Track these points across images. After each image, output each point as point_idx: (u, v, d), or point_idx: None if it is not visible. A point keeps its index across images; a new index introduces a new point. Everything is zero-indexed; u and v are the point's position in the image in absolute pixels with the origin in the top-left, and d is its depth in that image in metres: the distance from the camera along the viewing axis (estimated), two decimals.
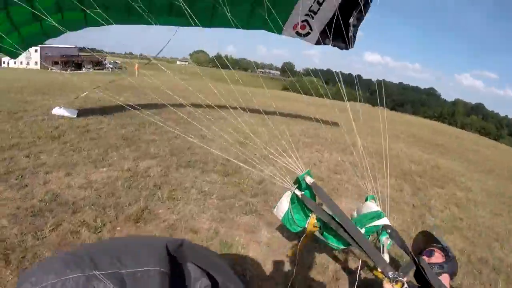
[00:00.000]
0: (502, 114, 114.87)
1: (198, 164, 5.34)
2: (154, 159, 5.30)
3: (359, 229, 2.32)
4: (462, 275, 3.75)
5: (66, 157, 4.93)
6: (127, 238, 2.27)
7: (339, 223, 2.29)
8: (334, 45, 6.53)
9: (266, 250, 3.44)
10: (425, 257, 2.16)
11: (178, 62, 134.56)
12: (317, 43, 6.80)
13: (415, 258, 2.07)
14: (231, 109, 4.31)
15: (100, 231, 3.20)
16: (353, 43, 6.17)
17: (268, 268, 3.20)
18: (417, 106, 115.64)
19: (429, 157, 11.64)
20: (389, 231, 2.32)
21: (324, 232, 2.56)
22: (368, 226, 2.40)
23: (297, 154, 2.86)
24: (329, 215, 2.37)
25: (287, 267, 3.25)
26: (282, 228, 3.83)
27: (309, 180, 2.58)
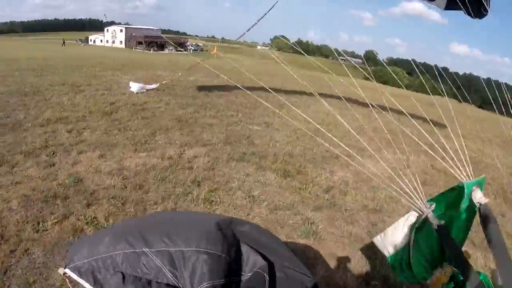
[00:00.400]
0: None
1: (254, 158, 4.39)
2: (204, 147, 4.50)
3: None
4: None
5: (108, 136, 4.41)
6: (177, 214, 2.19)
7: None
8: (465, 12, 5.15)
9: None
10: None
11: (258, 47, 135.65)
12: (447, 7, 5.45)
13: None
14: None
15: None
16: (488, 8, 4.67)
17: None
18: (508, 105, 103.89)
19: None
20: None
21: None
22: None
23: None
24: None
25: None
26: (358, 265, 2.78)
27: (479, 197, 1.36)
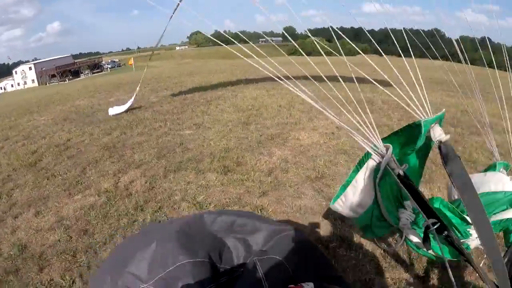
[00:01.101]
0: (508, 45, 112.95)
1: (191, 164, 4.37)
2: (138, 168, 4.41)
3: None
4: None
5: (38, 189, 4.15)
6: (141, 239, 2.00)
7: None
8: None
9: None
10: None
11: (177, 48, 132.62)
12: None
13: None
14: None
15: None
16: None
17: None
18: (424, 48, 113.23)
19: (455, 100, 10.17)
20: None
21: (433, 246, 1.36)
22: (496, 218, 1.39)
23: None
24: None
25: None
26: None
27: (439, 134, 1.27)
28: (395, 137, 1.33)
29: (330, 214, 3.10)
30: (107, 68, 62.76)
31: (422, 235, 1.32)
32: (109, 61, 73.65)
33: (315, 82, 1.63)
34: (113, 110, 7.85)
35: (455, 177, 1.21)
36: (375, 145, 1.28)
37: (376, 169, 1.32)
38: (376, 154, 1.29)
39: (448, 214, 1.31)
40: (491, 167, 1.62)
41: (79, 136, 6.12)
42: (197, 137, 5.54)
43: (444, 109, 1.37)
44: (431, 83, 13.97)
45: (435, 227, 1.16)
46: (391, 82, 1.44)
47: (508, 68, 2.08)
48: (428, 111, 1.28)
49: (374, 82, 1.53)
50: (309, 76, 1.67)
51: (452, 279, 1.10)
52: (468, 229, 1.30)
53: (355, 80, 1.48)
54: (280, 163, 4.38)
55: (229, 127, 6.00)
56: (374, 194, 1.40)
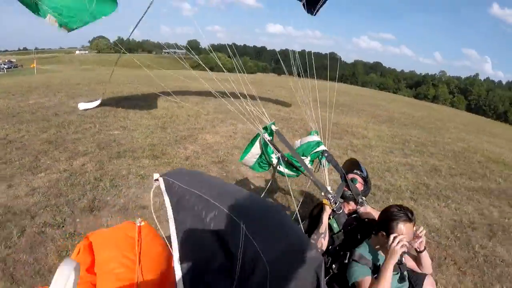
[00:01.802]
0: (398, 69, 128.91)
1: (127, 154, 5.82)
2: (85, 156, 5.64)
3: (306, 157, 3.09)
4: None
5: (0, 171, 5.11)
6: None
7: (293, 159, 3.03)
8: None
9: None
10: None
11: (77, 52, 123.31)
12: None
13: (344, 174, 3.10)
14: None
15: (63, 226, 3.67)
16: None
17: None
18: (321, 70, 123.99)
19: (331, 116, 13.23)
20: (326, 154, 3.12)
21: (284, 167, 3.07)
22: (312, 153, 3.12)
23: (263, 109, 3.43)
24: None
25: None
26: None
27: (274, 127, 3.11)
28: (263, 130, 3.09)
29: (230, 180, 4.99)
30: (3, 69, 56.13)
31: (283, 165, 3.08)
32: (6, 61, 65.98)
33: (218, 96, 3.42)
34: (83, 105, 9.00)
35: (287, 145, 3.10)
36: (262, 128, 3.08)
37: (263, 141, 3.05)
38: (262, 133, 3.05)
39: (288, 156, 3.17)
40: (310, 133, 3.44)
41: (16, 133, 6.75)
42: (125, 136, 6.90)
43: (273, 120, 3.22)
44: (317, 102, 17.10)
45: (285, 159, 3.00)
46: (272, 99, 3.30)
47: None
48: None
49: (257, 99, 3.39)
50: (214, 92, 3.40)
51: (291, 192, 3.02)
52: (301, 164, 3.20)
53: (247, 97, 3.29)
54: (193, 153, 6.15)
55: (150, 130, 7.51)
56: (260, 151, 3.12)
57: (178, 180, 1.76)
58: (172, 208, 1.68)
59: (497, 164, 10.77)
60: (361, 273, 2.43)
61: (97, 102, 9.30)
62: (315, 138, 3.24)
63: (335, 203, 2.79)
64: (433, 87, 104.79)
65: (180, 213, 1.66)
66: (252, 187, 5.15)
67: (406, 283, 2.53)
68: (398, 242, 2.26)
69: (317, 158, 3.17)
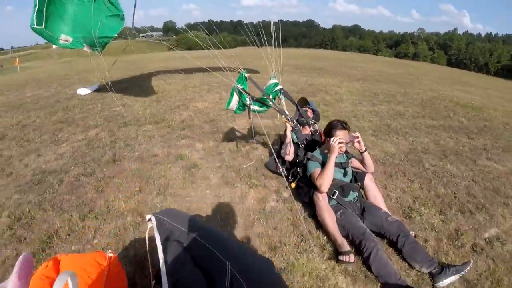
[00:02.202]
0: (377, 31, 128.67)
1: (133, 122, 6.77)
2: (97, 128, 6.57)
3: (270, 96, 4.08)
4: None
5: (25, 147, 5.81)
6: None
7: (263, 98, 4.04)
8: None
9: (205, 153, 5.35)
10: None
11: (54, 46, 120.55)
12: None
13: (298, 106, 4.34)
14: None
15: (94, 174, 4.57)
16: None
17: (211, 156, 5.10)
18: (300, 39, 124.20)
19: (307, 78, 14.35)
20: (283, 91, 4.18)
21: (255, 104, 4.05)
22: (273, 91, 4.15)
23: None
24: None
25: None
26: (212, 141, 5.76)
27: (246, 75, 4.11)
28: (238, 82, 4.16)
29: (221, 135, 6.00)
30: None
31: (254, 104, 4.15)
32: None
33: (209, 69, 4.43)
34: (83, 91, 10.04)
35: (257, 87, 4.23)
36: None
37: (237, 90, 4.10)
38: (236, 85, 4.09)
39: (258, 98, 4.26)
40: (270, 78, 4.45)
41: (26, 119, 7.56)
42: (127, 110, 7.82)
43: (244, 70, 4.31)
44: (294, 68, 18.17)
45: (254, 99, 4.08)
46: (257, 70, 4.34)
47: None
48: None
49: (241, 68, 4.41)
50: (205, 67, 4.42)
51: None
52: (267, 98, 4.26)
53: (226, 69, 4.30)
54: (188, 117, 7.16)
55: (147, 103, 8.47)
56: (238, 98, 4.08)
57: (169, 218, 1.91)
58: (161, 245, 1.79)
59: (464, 108, 11.68)
60: (313, 166, 3.55)
61: (95, 87, 10.19)
62: (273, 81, 4.28)
63: (293, 122, 4.02)
64: (412, 45, 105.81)
65: (168, 249, 1.78)
66: (238, 134, 6.27)
67: (349, 177, 3.65)
68: (335, 141, 3.37)
69: (277, 96, 4.28)
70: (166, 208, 2.14)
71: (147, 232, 1.93)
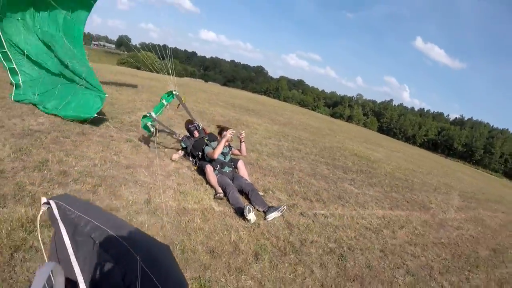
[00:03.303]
0: (320, 89, 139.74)
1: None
2: None
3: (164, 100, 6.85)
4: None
5: (9, 113, 7.77)
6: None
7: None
8: None
9: (145, 141, 7.83)
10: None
11: None
12: None
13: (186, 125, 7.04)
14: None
15: (69, 137, 6.53)
16: None
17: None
18: (247, 82, 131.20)
19: (237, 115, 17.52)
20: (177, 93, 6.96)
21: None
22: (168, 97, 6.83)
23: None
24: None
25: None
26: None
27: (176, 93, 6.72)
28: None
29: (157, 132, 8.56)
30: None
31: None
32: None
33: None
34: None
35: (186, 111, 7.00)
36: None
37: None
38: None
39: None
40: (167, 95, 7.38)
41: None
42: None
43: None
44: (228, 105, 21.44)
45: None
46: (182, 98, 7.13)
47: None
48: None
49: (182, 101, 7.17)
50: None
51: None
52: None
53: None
54: (135, 120, 9.63)
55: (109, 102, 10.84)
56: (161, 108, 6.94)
57: (71, 205, 1.66)
58: (69, 237, 1.59)
59: (358, 157, 15.00)
60: (208, 150, 6.28)
61: None
62: (165, 94, 6.92)
63: (179, 137, 6.99)
64: (349, 108, 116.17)
65: (77, 242, 1.59)
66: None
67: (227, 159, 6.39)
68: (229, 131, 6.13)
69: (173, 97, 6.95)
70: (63, 194, 1.95)
71: (39, 218, 1.82)
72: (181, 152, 7.08)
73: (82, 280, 1.48)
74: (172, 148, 7.81)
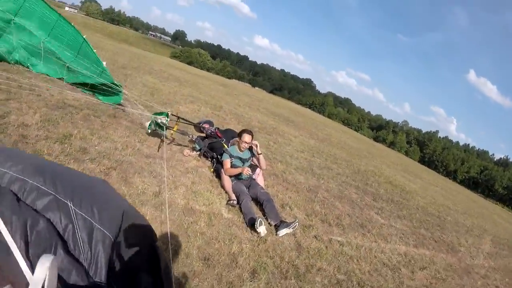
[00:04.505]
0: (366, 110, 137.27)
1: (131, 101, 9.24)
2: None
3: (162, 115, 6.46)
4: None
5: (48, 83, 8.28)
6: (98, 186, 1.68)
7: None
8: None
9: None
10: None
11: (66, 8, 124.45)
12: None
13: (194, 124, 6.94)
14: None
15: (100, 117, 6.64)
16: None
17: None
18: (294, 93, 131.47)
19: (274, 123, 17.29)
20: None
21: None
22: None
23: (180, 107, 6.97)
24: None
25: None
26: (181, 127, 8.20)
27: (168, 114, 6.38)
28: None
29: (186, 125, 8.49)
30: None
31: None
32: None
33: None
34: None
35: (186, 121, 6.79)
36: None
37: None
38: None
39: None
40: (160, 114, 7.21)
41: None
42: (128, 92, 10.34)
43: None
44: (269, 113, 21.28)
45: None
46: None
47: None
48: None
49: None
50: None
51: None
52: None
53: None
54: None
55: (143, 92, 10.99)
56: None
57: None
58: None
59: (392, 185, 14.18)
60: (225, 157, 5.94)
61: (104, 63, 12.57)
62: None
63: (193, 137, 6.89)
64: (392, 133, 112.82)
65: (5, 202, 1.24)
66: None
67: (247, 164, 5.99)
68: (244, 172, 5.63)
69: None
70: None
71: None
72: (195, 153, 6.92)
73: (16, 247, 1.13)
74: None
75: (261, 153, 6.13)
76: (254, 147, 5.93)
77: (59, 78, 8.09)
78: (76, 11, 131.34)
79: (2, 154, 1.41)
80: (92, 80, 7.56)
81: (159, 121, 6.51)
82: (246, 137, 5.76)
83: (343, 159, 15.75)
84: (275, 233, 4.82)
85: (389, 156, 38.50)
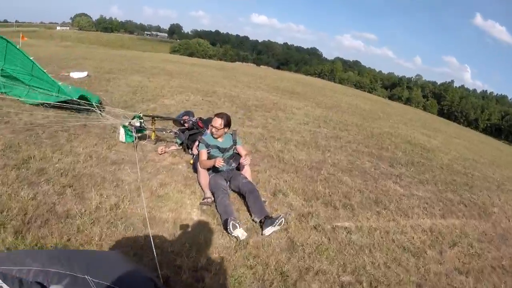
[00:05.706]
0: (377, 69, 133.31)
1: (108, 105, 8.60)
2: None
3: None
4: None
5: (21, 108, 7.68)
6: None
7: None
8: None
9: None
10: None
11: (58, 28, 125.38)
12: None
13: (172, 119, 6.29)
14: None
15: (68, 131, 6.22)
16: None
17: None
18: (301, 65, 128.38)
19: (276, 98, 16.33)
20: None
21: (138, 132, 6.07)
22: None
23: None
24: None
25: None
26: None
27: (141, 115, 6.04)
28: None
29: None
30: None
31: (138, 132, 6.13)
32: None
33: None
34: (75, 74, 11.96)
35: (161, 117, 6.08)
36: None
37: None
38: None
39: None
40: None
41: None
42: (107, 96, 9.66)
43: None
44: (270, 89, 20.33)
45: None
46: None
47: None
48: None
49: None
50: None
51: None
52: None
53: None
54: (152, 108, 9.01)
55: (125, 93, 10.34)
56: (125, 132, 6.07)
57: (3, 263, 1.59)
58: None
59: (411, 145, 12.72)
60: (201, 148, 4.96)
61: (85, 73, 12.17)
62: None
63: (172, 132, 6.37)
64: (407, 90, 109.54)
65: None
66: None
67: (229, 154, 4.98)
68: (217, 162, 4.57)
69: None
70: None
71: None
72: (174, 148, 6.37)
73: None
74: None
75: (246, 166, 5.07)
76: (242, 161, 4.91)
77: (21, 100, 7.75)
78: (68, 28, 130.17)
79: (21, 253, 1.74)
80: (52, 99, 7.41)
81: (132, 127, 5.98)
82: (214, 122, 4.84)
83: (354, 124, 14.47)
84: (261, 233, 3.97)
85: (406, 113, 36.79)
